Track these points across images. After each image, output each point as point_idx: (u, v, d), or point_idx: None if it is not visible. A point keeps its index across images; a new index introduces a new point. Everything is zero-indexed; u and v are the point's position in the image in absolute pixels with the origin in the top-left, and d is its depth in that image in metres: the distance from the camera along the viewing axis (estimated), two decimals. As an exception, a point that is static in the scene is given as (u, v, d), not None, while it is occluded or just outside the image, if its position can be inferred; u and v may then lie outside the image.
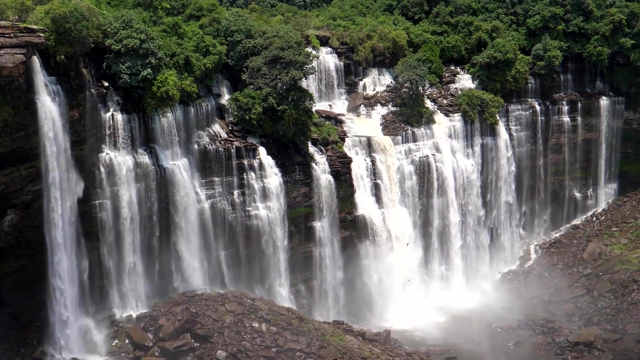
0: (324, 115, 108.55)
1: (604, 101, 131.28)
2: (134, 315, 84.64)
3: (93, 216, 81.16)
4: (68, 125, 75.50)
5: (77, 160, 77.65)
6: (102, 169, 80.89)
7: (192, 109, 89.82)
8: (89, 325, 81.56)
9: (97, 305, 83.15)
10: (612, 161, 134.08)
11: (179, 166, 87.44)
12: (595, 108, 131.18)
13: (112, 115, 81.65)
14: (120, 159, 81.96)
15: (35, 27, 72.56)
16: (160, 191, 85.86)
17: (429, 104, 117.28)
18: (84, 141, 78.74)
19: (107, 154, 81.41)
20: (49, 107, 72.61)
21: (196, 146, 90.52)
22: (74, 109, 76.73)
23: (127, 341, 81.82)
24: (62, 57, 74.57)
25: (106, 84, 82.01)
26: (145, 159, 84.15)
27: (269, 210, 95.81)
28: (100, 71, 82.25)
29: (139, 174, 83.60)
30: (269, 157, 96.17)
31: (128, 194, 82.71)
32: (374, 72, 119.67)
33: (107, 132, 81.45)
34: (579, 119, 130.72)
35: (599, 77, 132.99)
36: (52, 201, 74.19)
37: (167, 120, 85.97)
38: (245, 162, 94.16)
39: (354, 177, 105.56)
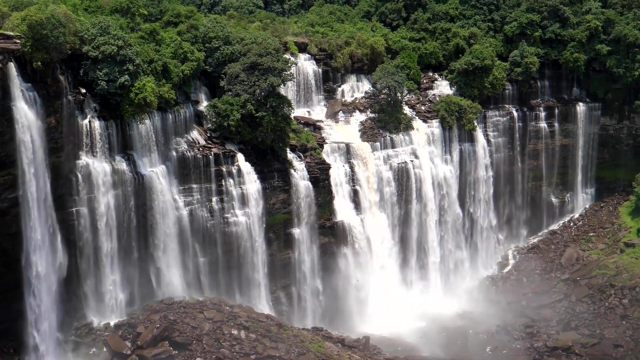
0: (302, 121, 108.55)
1: (580, 107, 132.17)
2: (112, 323, 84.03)
3: (70, 223, 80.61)
4: (45, 132, 74.99)
5: (54, 168, 77.10)
6: (79, 176, 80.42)
7: (170, 116, 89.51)
8: (67, 333, 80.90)
9: (75, 313, 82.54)
10: (589, 167, 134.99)
11: (157, 173, 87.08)
12: (572, 114, 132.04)
13: (90, 122, 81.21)
14: (97, 166, 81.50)
15: (12, 33, 72.28)
16: (138, 198, 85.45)
17: (407, 110, 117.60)
18: (61, 148, 78.29)
19: (84, 161, 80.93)
20: (25, 114, 72.14)
21: (174, 153, 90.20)
22: (51, 116, 76.28)
23: (104, 349, 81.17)
24: (39, 63, 74.14)
25: (83, 90, 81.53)
26: (122, 165, 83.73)
27: (247, 216, 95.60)
28: (77, 78, 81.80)
29: (117, 181, 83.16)
30: (248, 164, 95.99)
31: (105, 201, 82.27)
32: (352, 79, 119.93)
33: (85, 139, 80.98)
34: (556, 125, 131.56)
35: (575, 84, 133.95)
36: (28, 208, 73.62)
37: (145, 127, 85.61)
38: (224, 168, 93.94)
39: (332, 183, 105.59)
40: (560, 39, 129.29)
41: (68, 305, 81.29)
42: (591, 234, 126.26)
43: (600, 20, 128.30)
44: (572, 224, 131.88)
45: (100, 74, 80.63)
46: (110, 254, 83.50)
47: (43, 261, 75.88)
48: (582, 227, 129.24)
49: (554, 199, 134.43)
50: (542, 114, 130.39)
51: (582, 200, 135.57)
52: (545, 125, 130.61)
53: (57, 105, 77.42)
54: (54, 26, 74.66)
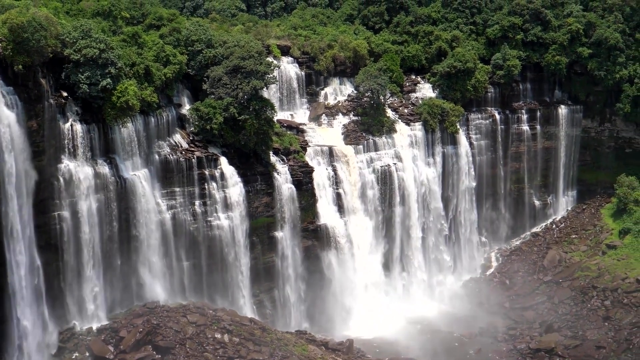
0: (285, 124, 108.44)
1: (562, 110, 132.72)
2: (95, 328, 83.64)
3: (52, 227, 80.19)
4: (26, 136, 74.60)
5: (36, 171, 76.60)
6: (61, 180, 79.98)
7: (153, 119, 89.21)
8: (49, 337, 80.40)
9: (57, 317, 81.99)
10: (570, 169, 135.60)
11: (139, 177, 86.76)
12: (554, 117, 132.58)
13: (71, 125, 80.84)
14: (79, 170, 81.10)
15: (-7, 36, 71.88)
16: (120, 202, 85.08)
17: (390, 113, 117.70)
18: (43, 152, 77.81)
19: (66, 164, 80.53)
20: (6, 118, 71.68)
21: (157, 156, 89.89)
22: (33, 120, 75.83)
23: (87, 354, 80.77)
24: (20, 67, 73.79)
25: (65, 94, 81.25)
26: (105, 169, 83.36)
27: (230, 220, 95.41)
28: (59, 81, 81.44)
29: (99, 184, 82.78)
30: (231, 167, 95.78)
31: (87, 205, 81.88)
32: (335, 82, 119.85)
33: (66, 142, 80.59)
34: (538, 127, 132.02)
35: (557, 86, 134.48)
36: (10, 213, 73.16)
37: (127, 131, 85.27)
38: (207, 172, 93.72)
39: (315, 186, 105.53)
40: (542, 42, 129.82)
41: (50, 309, 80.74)
42: (573, 236, 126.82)
43: (582, 23, 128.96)
44: (554, 226, 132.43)
45: (82, 77, 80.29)
46: (92, 258, 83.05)
47: (25, 265, 75.36)
48: (565, 229, 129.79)
49: (536, 201, 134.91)
50: (524, 117, 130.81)
51: (564, 202, 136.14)
52: (528, 127, 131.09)
53: (39, 109, 76.96)
54: (35, 29, 74.30)
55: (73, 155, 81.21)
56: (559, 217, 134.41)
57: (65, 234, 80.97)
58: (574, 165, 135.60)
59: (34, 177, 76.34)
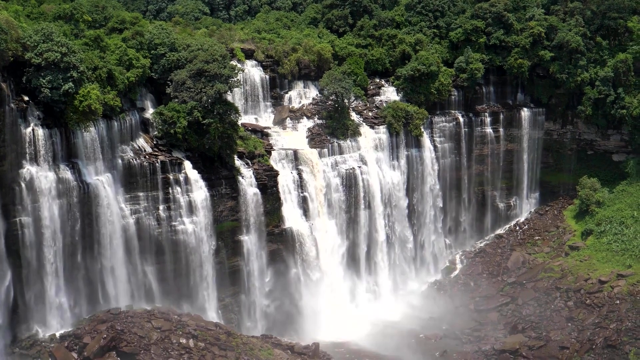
0: (250, 128, 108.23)
1: (525, 112, 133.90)
2: (58, 334, 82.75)
3: (14, 233, 79.19)
4: (-13, 141, 73.78)
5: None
6: (22, 185, 79.03)
7: (116, 123, 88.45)
8: (11, 345, 79.49)
9: (19, 324, 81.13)
10: (533, 171, 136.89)
11: (102, 181, 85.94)
12: (516, 119, 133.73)
13: (33, 130, 79.90)
14: (41, 175, 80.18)
15: (-48, 40, 70.92)
16: (83, 207, 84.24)
17: (354, 116, 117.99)
18: (4, 157, 76.89)
19: (27, 169, 79.58)
20: (-34, 123, 70.88)
21: (120, 161, 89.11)
22: (-7, 124, 75.00)
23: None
24: (-20, 71, 72.96)
25: (26, 98, 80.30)
26: (67, 174, 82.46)
27: (195, 224, 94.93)
28: (20, 85, 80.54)
29: (61, 189, 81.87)
30: (195, 171, 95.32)
31: (50, 210, 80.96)
32: (299, 85, 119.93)
33: (28, 147, 79.61)
34: (501, 130, 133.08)
35: (520, 89, 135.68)
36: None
37: (90, 135, 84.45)
38: (171, 176, 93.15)
39: (280, 190, 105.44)
40: (504, 45, 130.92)
41: (12, 316, 79.86)
42: (536, 238, 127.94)
43: (544, 27, 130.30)
44: (517, 227, 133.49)
45: (44, 81, 79.47)
46: (55, 264, 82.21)
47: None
48: (528, 231, 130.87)
49: (499, 203, 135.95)
50: (488, 120, 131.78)
51: (528, 204, 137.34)
52: (491, 130, 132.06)
53: (0, 114, 76.04)
54: (-5, 33, 73.55)
55: (35, 160, 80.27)
56: (522, 219, 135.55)
57: (27, 239, 79.99)
58: (537, 167, 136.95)
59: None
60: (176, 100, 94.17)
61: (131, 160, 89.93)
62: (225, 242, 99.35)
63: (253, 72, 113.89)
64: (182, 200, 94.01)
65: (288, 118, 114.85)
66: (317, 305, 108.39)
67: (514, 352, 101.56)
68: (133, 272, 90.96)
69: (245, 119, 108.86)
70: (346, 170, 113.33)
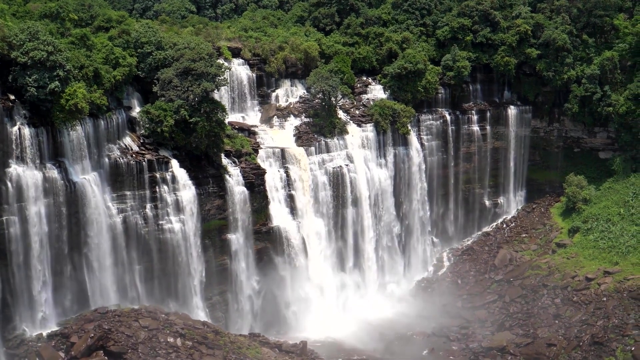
0: (237, 127, 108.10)
1: (511, 110, 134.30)
2: (45, 334, 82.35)
3: (0, 233, 78.84)
4: (-28, 140, 73.45)
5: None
6: (9, 184, 78.68)
7: (102, 122, 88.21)
8: (-2, 345, 79.40)
9: (6, 324, 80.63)
10: (520, 169, 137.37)
11: (89, 180, 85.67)
12: (503, 117, 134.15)
13: (19, 129, 79.53)
14: (28, 174, 79.83)
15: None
16: (70, 206, 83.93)
17: (341, 114, 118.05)
18: (-10, 156, 76.69)
19: (14, 169, 79.19)
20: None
21: (107, 160, 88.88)
22: (-21, 123, 74.70)
23: (37, 360, 79.80)
24: (-35, 70, 72.62)
25: (12, 97, 79.90)
26: (54, 173, 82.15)
27: (182, 223, 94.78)
28: (5, 84, 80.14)
29: (48, 188, 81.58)
30: (182, 170, 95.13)
31: (36, 209, 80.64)
32: (286, 84, 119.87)
33: (14, 146, 79.23)
34: (488, 128, 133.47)
35: (506, 87, 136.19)
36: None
37: (77, 134, 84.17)
38: (158, 175, 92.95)
39: (268, 188, 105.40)
40: (491, 43, 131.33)
41: (-1, 315, 79.70)
42: (523, 235, 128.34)
43: (530, 25, 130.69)
44: (505, 225, 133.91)
45: (30, 80, 79.11)
46: (42, 263, 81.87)
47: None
48: (515, 229, 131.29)
49: (487, 201, 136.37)
50: (475, 117, 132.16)
51: (514, 201, 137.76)
52: (478, 128, 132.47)
53: (-15, 113, 75.89)
54: (-20, 32, 73.22)
55: (21, 159, 79.92)
56: (509, 217, 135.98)
57: (14, 239, 79.60)
58: (524, 165, 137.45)
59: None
60: (163, 98, 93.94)
61: (118, 159, 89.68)
62: (212, 240, 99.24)
63: (240, 70, 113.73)
64: (169, 199, 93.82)
65: (275, 116, 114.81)
66: (305, 303, 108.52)
67: (501, 350, 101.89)
68: (120, 271, 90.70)
69: (232, 117, 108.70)
70: (333, 168, 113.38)
